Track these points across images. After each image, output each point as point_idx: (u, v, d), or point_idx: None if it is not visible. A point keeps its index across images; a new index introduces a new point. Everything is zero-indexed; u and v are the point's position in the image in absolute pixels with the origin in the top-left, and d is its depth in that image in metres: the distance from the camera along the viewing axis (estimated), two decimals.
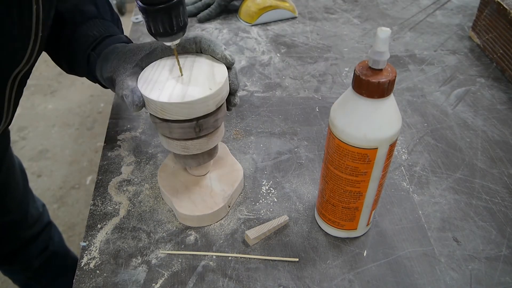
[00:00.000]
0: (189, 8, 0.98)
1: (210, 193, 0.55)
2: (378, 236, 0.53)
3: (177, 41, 0.46)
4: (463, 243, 0.52)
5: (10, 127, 0.68)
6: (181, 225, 0.54)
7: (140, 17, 0.98)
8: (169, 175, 0.57)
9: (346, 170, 0.45)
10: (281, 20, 0.98)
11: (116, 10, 2.72)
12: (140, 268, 0.49)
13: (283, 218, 0.54)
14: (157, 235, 0.53)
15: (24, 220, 0.88)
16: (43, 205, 0.96)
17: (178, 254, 0.51)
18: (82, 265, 0.50)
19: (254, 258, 0.50)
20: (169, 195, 0.54)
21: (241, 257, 0.51)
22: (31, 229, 0.91)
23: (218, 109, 0.48)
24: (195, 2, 0.99)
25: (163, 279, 0.48)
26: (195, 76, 0.48)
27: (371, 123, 0.41)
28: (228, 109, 0.53)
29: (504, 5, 0.77)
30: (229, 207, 0.55)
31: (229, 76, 0.50)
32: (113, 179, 0.60)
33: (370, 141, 0.42)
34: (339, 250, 0.51)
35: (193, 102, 0.45)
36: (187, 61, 0.50)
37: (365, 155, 0.43)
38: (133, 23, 0.97)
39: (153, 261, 0.50)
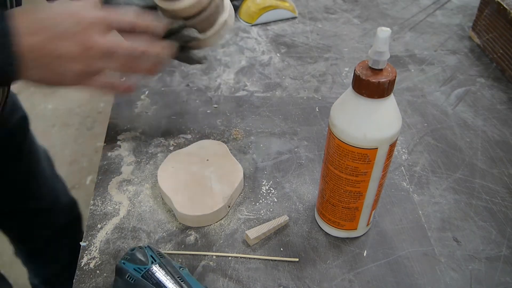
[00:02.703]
0: None
1: (210, 193, 0.55)
2: (378, 236, 0.53)
3: None
4: (463, 243, 0.52)
5: None
6: (181, 225, 0.54)
7: None
8: (169, 175, 0.57)
9: (346, 170, 0.45)
10: (281, 20, 0.98)
11: None
12: None
13: (283, 218, 0.54)
14: (157, 235, 0.53)
15: (55, 208, 0.88)
16: (75, 201, 0.96)
17: (178, 254, 0.51)
18: (82, 265, 0.50)
19: (254, 258, 0.50)
20: (169, 195, 0.54)
21: (241, 257, 0.51)
22: (62, 218, 0.90)
23: None
24: None
25: None
26: None
27: (371, 123, 0.41)
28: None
29: (504, 5, 0.77)
30: (229, 207, 0.55)
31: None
32: (113, 179, 0.60)
33: (370, 141, 0.42)
34: (339, 250, 0.51)
35: None
36: None
37: (365, 155, 0.43)
38: None
39: None
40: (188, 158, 0.60)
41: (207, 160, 0.59)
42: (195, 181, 0.57)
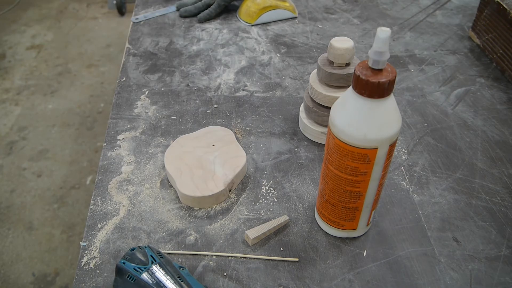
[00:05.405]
0: (189, 8, 0.98)
1: (213, 176, 0.57)
2: (378, 236, 0.53)
3: None
4: (463, 243, 0.52)
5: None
6: (181, 225, 0.54)
7: (140, 17, 0.98)
8: (175, 157, 0.60)
9: (346, 170, 0.45)
10: (281, 20, 0.98)
11: (116, 10, 2.71)
12: None
13: (283, 218, 0.54)
14: (157, 235, 0.53)
15: None
16: None
17: (178, 254, 0.51)
18: (82, 265, 0.50)
19: (254, 258, 0.50)
20: (174, 176, 0.57)
21: (241, 257, 0.51)
22: None
23: None
24: (195, 2, 0.99)
25: None
26: None
27: (371, 123, 0.41)
28: None
29: (504, 5, 0.77)
30: (230, 191, 0.57)
31: None
32: (113, 179, 0.60)
33: (370, 141, 0.42)
34: (339, 250, 0.51)
35: None
36: None
37: (365, 155, 0.43)
38: (133, 23, 0.97)
39: None
40: (195, 142, 0.62)
41: (213, 145, 0.61)
42: (199, 164, 0.59)
